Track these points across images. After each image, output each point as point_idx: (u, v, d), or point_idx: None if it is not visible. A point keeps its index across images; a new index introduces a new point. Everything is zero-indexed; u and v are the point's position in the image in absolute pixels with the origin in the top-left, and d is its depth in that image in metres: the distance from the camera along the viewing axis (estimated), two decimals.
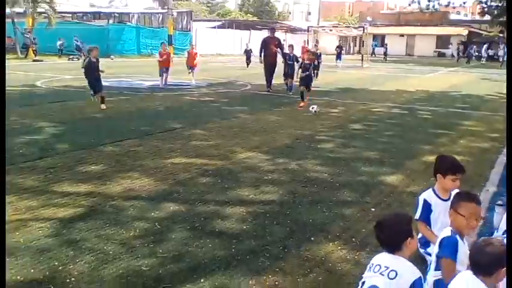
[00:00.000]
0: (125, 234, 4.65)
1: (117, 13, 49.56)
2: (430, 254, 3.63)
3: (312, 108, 12.25)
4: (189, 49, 21.93)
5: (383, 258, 2.88)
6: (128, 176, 6.50)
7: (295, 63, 16.14)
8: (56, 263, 4.04)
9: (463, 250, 3.08)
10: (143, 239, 4.56)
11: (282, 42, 19.06)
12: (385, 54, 48.74)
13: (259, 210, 5.46)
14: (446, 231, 3.20)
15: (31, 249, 4.27)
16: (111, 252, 4.27)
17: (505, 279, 2.89)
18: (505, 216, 3.81)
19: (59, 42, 34.50)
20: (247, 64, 29.54)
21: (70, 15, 47.13)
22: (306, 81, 13.98)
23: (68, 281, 3.80)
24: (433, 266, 3.28)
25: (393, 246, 2.87)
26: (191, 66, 19.67)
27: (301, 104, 13.46)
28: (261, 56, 17.76)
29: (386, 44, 53.10)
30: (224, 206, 5.55)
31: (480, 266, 2.66)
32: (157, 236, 4.65)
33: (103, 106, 12.11)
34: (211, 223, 5.03)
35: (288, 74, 16.63)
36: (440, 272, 3.17)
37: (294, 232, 4.89)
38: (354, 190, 6.30)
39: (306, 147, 8.67)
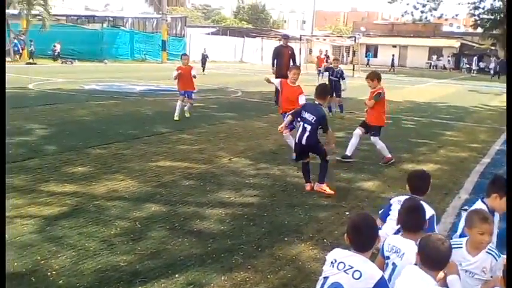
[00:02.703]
0: (105, 232, 4.85)
1: (112, 17, 49.79)
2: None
3: None
4: (183, 62, 12.43)
5: (346, 256, 3.06)
6: (112, 178, 6.71)
7: (341, 80, 14.21)
8: (38, 258, 4.24)
9: None
10: (123, 237, 4.76)
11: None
12: (392, 65, 48.61)
13: (238, 212, 5.69)
14: None
15: (15, 244, 4.46)
16: (91, 249, 4.47)
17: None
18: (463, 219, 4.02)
19: (55, 48, 34.28)
20: (203, 69, 30.17)
21: (64, 18, 47.27)
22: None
23: (48, 274, 3.99)
24: None
25: (366, 249, 3.08)
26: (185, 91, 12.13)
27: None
28: (273, 66, 15.53)
29: (393, 55, 53.41)
30: (204, 207, 5.77)
31: (433, 261, 2.92)
32: (136, 234, 4.85)
33: None
34: (190, 223, 5.24)
35: (334, 92, 13.77)
36: None
37: (269, 233, 5.11)
38: (331, 195, 6.52)
39: (290, 154, 8.87)
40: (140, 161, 7.71)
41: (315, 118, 6.47)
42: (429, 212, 3.79)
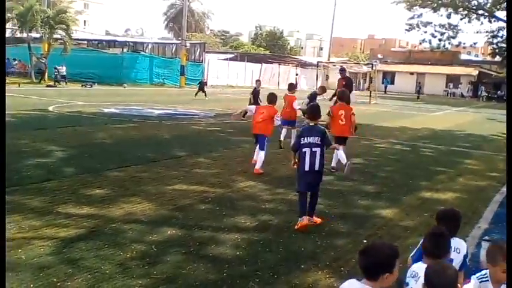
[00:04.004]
0: (122, 255, 4.85)
1: (132, 42, 50.71)
2: None
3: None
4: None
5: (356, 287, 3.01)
6: (129, 201, 6.73)
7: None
8: (55, 279, 4.24)
9: None
10: (139, 261, 4.75)
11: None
12: (419, 92, 48.68)
13: (254, 238, 5.65)
14: None
15: (32, 266, 4.48)
16: (107, 272, 4.47)
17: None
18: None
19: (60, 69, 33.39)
20: (196, 94, 28.44)
21: (85, 42, 48.26)
22: None
23: None
24: None
25: (370, 275, 3.00)
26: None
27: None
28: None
29: (419, 83, 53.34)
30: (220, 232, 5.75)
31: None
32: (152, 258, 4.84)
33: None
34: (205, 248, 5.22)
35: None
36: None
37: (285, 259, 5.06)
38: (348, 222, 6.47)
39: None
40: (157, 184, 7.74)
41: (319, 138, 6.13)
42: (463, 249, 3.81)
